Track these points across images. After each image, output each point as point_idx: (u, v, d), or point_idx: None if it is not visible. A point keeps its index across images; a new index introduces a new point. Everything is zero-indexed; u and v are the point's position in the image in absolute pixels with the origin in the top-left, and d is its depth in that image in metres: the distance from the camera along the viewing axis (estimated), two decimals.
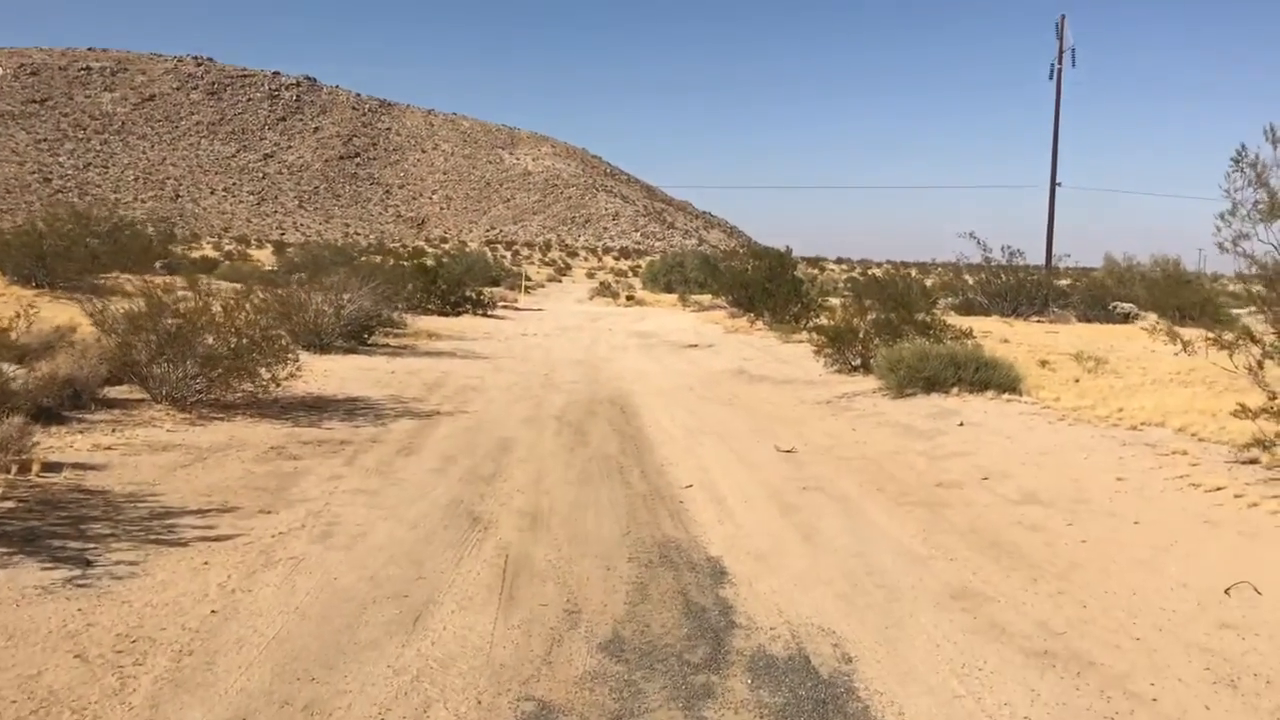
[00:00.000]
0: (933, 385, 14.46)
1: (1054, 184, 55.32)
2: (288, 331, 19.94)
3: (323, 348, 20.00)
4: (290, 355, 13.00)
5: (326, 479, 9.41)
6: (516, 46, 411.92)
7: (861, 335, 17.64)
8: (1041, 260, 43.92)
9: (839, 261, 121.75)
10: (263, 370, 12.86)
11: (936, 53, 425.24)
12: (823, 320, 26.52)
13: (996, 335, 24.38)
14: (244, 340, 12.69)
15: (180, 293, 13.15)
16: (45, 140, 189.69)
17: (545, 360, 21.53)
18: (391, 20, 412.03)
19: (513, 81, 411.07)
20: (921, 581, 6.69)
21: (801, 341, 24.07)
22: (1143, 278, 40.08)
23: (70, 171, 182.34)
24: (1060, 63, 56.78)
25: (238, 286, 25.71)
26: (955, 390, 14.29)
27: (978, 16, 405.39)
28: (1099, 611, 6.08)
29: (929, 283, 44.00)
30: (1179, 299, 36.18)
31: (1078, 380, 16.51)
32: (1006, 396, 13.98)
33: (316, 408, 13.41)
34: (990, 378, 14.34)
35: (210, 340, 12.45)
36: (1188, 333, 11.87)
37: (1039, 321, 31.88)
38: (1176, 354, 12.26)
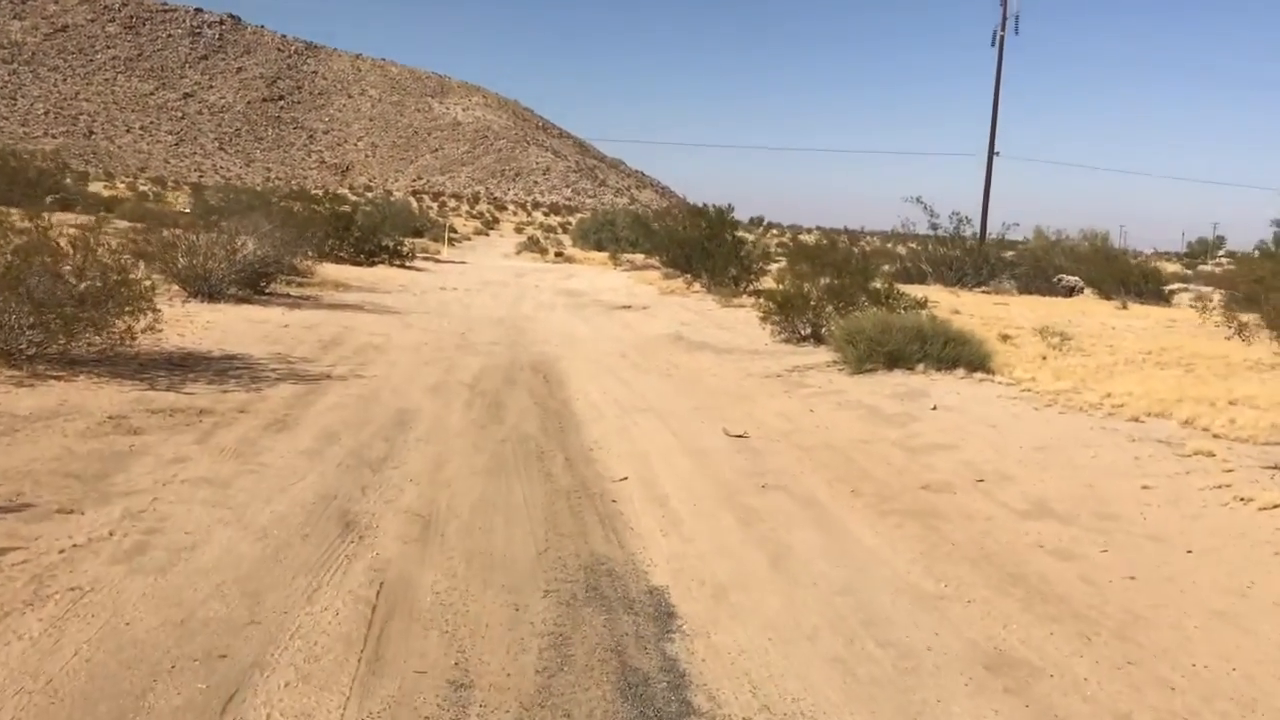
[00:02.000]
0: (895, 361, 12.83)
1: (991, 153, 54.06)
2: (172, 276, 17.82)
3: (212, 296, 17.81)
4: (147, 303, 10.85)
5: (166, 462, 7.44)
6: None
7: (813, 303, 15.95)
8: (995, 230, 42.75)
9: (767, 227, 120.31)
10: (118, 320, 10.76)
11: (882, 16, 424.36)
12: (766, 284, 24.89)
13: (945, 305, 22.86)
14: (94, 283, 10.56)
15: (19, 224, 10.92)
16: None
17: (463, 318, 19.55)
18: None
19: (445, 28, 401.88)
20: (939, 639, 4.97)
21: (743, 306, 22.42)
22: (1072, 251, 39.15)
23: None
24: (1003, 29, 55.72)
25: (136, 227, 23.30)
26: (920, 367, 12.67)
27: None
28: (1199, 702, 4.41)
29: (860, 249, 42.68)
30: (1120, 274, 35.29)
31: (1044, 358, 15.04)
32: (979, 376, 12.40)
33: (183, 366, 11.34)
34: (959, 354, 12.75)
35: (50, 282, 10.30)
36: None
37: (984, 292, 30.60)
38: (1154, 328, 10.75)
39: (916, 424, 10.12)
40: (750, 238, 31.86)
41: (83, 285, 10.59)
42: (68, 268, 10.43)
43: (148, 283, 11.20)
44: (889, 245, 52.67)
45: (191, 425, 8.66)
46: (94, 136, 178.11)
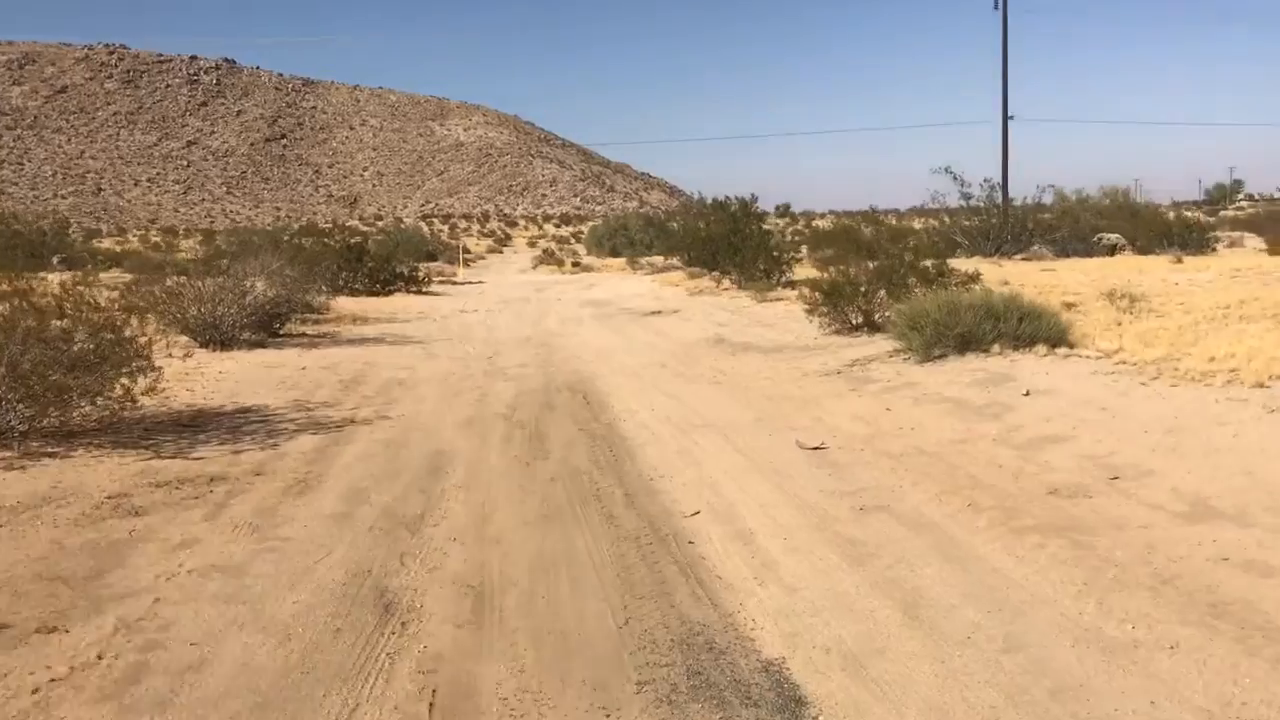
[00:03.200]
0: (967, 343, 11.70)
1: (1005, 117, 52.75)
2: (180, 326, 16.90)
3: (224, 343, 16.84)
4: (145, 362, 9.84)
5: (171, 549, 6.40)
6: (439, 13, 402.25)
7: (863, 289, 14.80)
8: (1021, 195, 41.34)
9: (781, 214, 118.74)
10: (115, 383, 9.76)
11: None
12: (800, 275, 23.79)
13: (991, 277, 21.67)
14: (85, 345, 9.56)
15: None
16: None
17: (488, 340, 18.52)
18: None
19: (439, 50, 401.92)
20: (1161, 711, 3.85)
21: (781, 300, 21.30)
22: (1103, 209, 37.75)
23: None
24: None
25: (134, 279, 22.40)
26: (995, 348, 11.53)
27: None
28: None
29: (869, 231, 41.37)
30: (1161, 227, 33.97)
31: (1119, 324, 13.86)
32: (1062, 352, 11.25)
33: (193, 426, 10.33)
34: (1036, 330, 11.59)
35: (37, 349, 9.30)
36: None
37: (1024, 259, 29.32)
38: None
39: (1013, 414, 8.99)
40: (774, 228, 30.62)
41: (74, 348, 9.59)
42: (54, 331, 9.41)
43: (144, 339, 10.16)
44: (909, 221, 51.38)
45: (201, 498, 7.62)
46: (103, 193, 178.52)
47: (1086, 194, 39.42)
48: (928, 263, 15.53)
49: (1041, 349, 11.37)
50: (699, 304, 23.61)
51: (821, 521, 6.58)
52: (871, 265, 15.29)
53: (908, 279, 14.97)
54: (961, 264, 22.74)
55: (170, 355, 12.20)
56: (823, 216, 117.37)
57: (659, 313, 22.43)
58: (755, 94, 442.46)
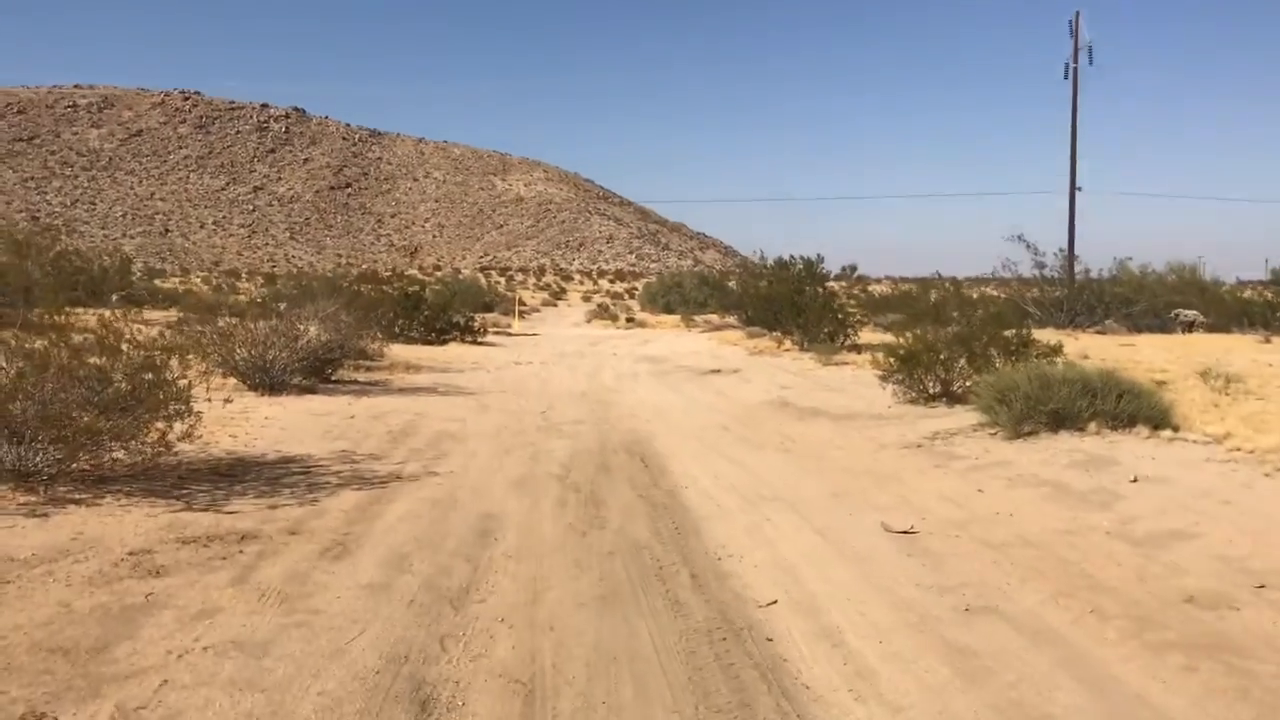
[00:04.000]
0: (1060, 421, 10.82)
1: (1073, 188, 51.55)
2: (229, 369, 16.46)
3: (273, 387, 16.37)
4: (184, 406, 9.26)
5: (189, 619, 5.73)
6: (507, 70, 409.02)
7: (943, 357, 13.97)
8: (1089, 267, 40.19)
9: (847, 276, 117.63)
10: (150, 428, 9.19)
11: (940, 50, 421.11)
12: (867, 339, 22.98)
13: (1070, 351, 20.75)
14: (120, 386, 9.01)
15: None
16: (32, 179, 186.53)
17: (542, 394, 17.88)
18: (379, 48, 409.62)
19: (504, 106, 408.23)
20: None
21: (847, 364, 20.48)
22: (1183, 285, 36.53)
23: (58, 209, 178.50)
24: (1075, 61, 53.49)
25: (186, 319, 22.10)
26: (1092, 426, 10.64)
27: (987, 15, 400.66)
28: None
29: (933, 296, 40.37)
30: (1240, 306, 32.75)
31: (1217, 405, 12.91)
32: (1166, 435, 10.34)
33: (230, 475, 9.73)
34: (1137, 409, 10.70)
35: (70, 388, 8.77)
36: None
37: (1098, 332, 28.25)
38: None
39: (1123, 504, 8.11)
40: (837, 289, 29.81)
41: (110, 389, 9.04)
42: (89, 370, 8.88)
43: (184, 381, 9.59)
44: (971, 290, 50.42)
45: (229, 558, 6.97)
46: (170, 234, 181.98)
47: (1152, 269, 38.32)
48: (1009, 332, 14.65)
49: (1143, 430, 10.48)
50: (760, 364, 22.83)
51: (921, 622, 5.76)
52: (950, 331, 14.42)
53: (989, 349, 14.13)
54: (1036, 335, 21.81)
55: (210, 398, 11.64)
56: (878, 281, 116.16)
57: (718, 371, 21.67)
58: (814, 158, 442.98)
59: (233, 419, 13.29)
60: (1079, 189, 50.39)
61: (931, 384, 14.17)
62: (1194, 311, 30.38)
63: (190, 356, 10.07)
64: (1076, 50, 53.70)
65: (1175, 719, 4.42)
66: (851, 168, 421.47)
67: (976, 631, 5.55)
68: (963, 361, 14.00)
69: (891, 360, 14.31)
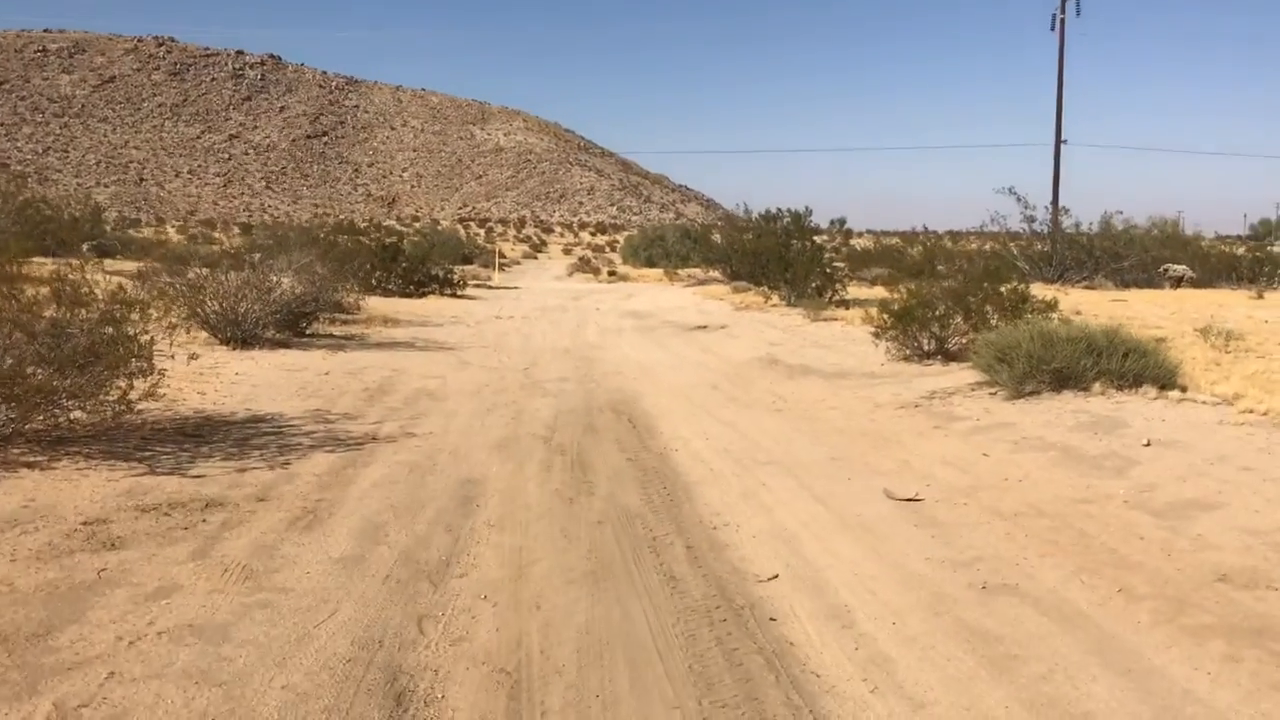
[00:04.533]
0: (1064, 380, 10.42)
1: (1059, 141, 50.97)
2: (200, 322, 15.90)
3: (245, 341, 15.82)
4: (144, 363, 8.72)
5: (144, 598, 5.27)
6: (484, 18, 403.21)
7: (939, 313, 13.52)
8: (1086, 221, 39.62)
9: (847, 232, 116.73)
10: (111, 385, 8.67)
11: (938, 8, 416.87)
12: (855, 294, 22.56)
13: (1062, 307, 20.39)
14: (78, 342, 8.46)
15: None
16: (2, 125, 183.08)
17: (524, 350, 17.38)
18: None
19: (482, 55, 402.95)
20: None
21: (837, 320, 20.06)
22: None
23: (29, 156, 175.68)
24: (1063, 11, 52.80)
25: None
26: (1097, 387, 10.25)
27: None
28: None
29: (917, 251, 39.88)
30: (1227, 261, 32.48)
31: (1218, 364, 12.56)
32: (1175, 395, 9.95)
33: (197, 436, 9.23)
34: (1143, 368, 10.31)
35: (22, 344, 8.23)
36: None
37: (1087, 288, 27.90)
38: None
39: (1138, 470, 7.71)
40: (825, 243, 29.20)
41: (69, 345, 8.50)
42: (43, 325, 8.34)
43: (146, 336, 9.05)
44: (961, 244, 49.97)
45: (191, 529, 6.49)
46: (144, 183, 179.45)
47: (1134, 223, 37.88)
48: (1005, 287, 14.21)
49: (1150, 391, 10.09)
50: (747, 320, 22.36)
51: (937, 602, 5.35)
52: (946, 286, 13.95)
53: (985, 305, 13.70)
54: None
55: (175, 354, 11.09)
56: (860, 235, 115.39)
57: (704, 328, 21.20)
58: (798, 109, 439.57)
59: (202, 375, 12.78)
60: (1064, 142, 50.12)
61: (927, 341, 13.74)
62: (1182, 267, 30.06)
63: (153, 310, 9.48)
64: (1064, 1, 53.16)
65: (1220, 710, 4.03)
66: (836, 120, 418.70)
67: (997, 613, 5.15)
68: (959, 318, 13.57)
69: (885, 316, 13.86)
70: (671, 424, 10.70)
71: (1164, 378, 10.33)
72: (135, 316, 8.75)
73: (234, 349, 15.48)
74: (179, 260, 21.84)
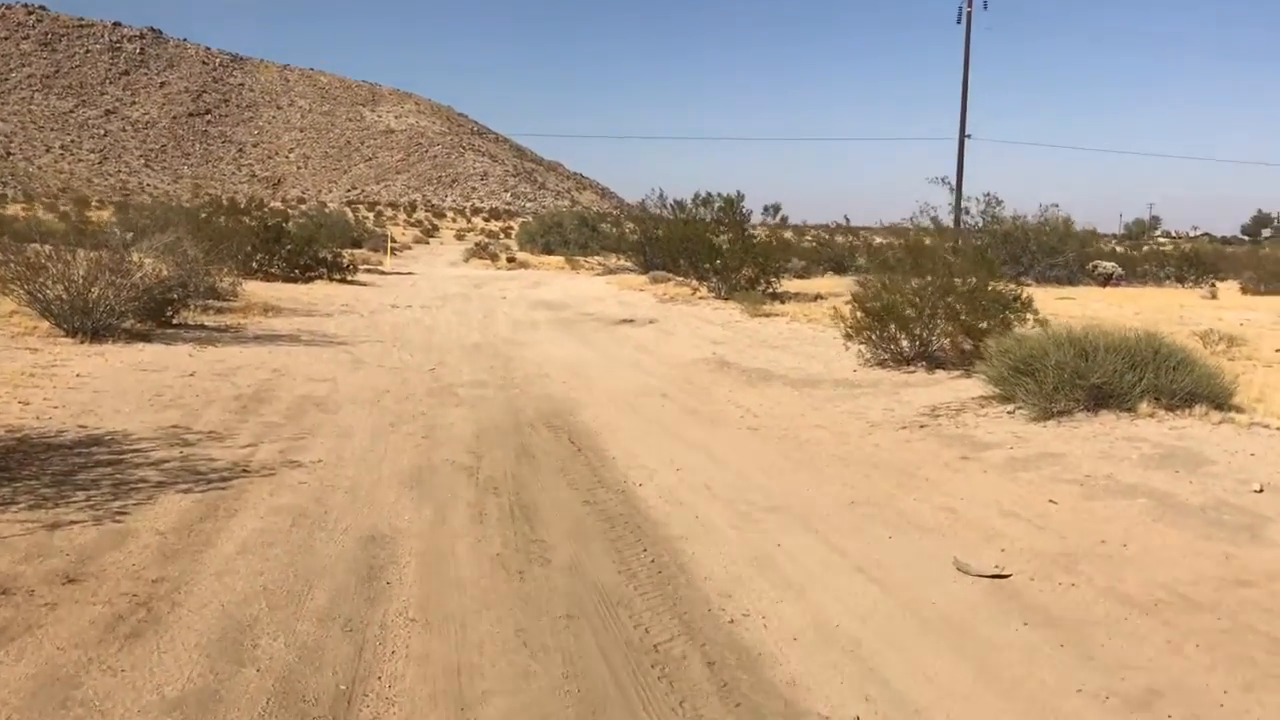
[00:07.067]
0: (1102, 398, 8.60)
1: (963, 136, 50.51)
2: (40, 309, 13.29)
3: (96, 334, 13.23)
4: None
5: None
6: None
7: (925, 314, 11.64)
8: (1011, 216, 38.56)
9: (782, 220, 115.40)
10: None
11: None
12: (787, 288, 20.75)
13: None
14: None
15: None
16: None
17: (427, 346, 15.04)
18: None
19: (373, 35, 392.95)
20: None
21: (781, 316, 18.17)
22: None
23: None
24: (970, 4, 52.13)
25: None
26: (1144, 406, 8.45)
27: None
28: None
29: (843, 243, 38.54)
30: (1157, 259, 31.75)
31: (1241, 374, 10.98)
32: (1243, 418, 8.21)
33: (1, 469, 6.80)
34: (1194, 384, 8.55)
35: None
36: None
37: (1024, 285, 26.59)
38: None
39: (1273, 529, 5.85)
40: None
41: None
42: None
43: None
44: (879, 238, 48.95)
45: None
46: (12, 157, 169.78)
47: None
48: (991, 287, 12.40)
49: (1206, 411, 8.33)
50: (677, 314, 20.28)
51: None
52: (932, 283, 12.05)
53: (978, 304, 11.88)
54: None
55: (12, 345, 8.59)
56: (787, 230, 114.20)
57: (631, 321, 19.06)
58: (701, 97, 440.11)
59: (32, 376, 10.30)
60: (969, 136, 49.38)
61: (909, 345, 11.86)
62: (1112, 264, 29.06)
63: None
64: None
65: None
66: (746, 110, 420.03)
67: None
68: (941, 320, 11.73)
69: (859, 315, 11.92)
70: (624, 445, 8.60)
71: (1218, 396, 8.59)
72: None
73: (81, 342, 12.92)
74: (15, 236, 18.84)
